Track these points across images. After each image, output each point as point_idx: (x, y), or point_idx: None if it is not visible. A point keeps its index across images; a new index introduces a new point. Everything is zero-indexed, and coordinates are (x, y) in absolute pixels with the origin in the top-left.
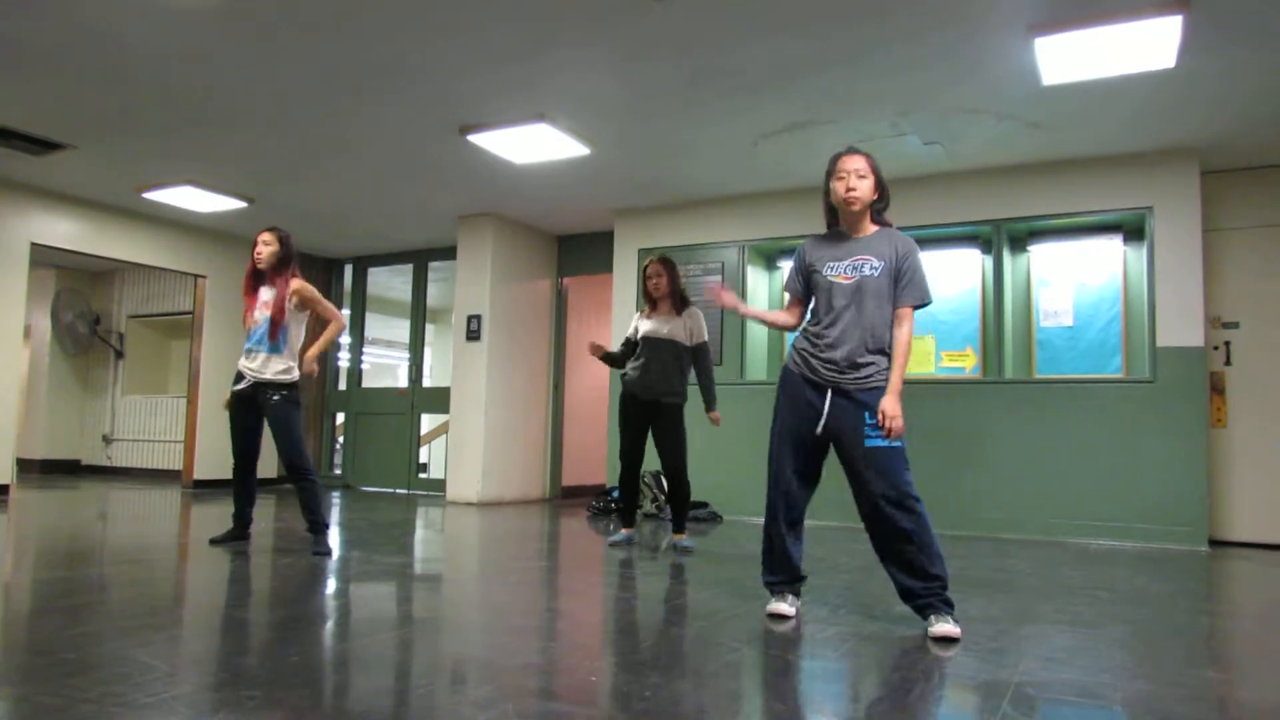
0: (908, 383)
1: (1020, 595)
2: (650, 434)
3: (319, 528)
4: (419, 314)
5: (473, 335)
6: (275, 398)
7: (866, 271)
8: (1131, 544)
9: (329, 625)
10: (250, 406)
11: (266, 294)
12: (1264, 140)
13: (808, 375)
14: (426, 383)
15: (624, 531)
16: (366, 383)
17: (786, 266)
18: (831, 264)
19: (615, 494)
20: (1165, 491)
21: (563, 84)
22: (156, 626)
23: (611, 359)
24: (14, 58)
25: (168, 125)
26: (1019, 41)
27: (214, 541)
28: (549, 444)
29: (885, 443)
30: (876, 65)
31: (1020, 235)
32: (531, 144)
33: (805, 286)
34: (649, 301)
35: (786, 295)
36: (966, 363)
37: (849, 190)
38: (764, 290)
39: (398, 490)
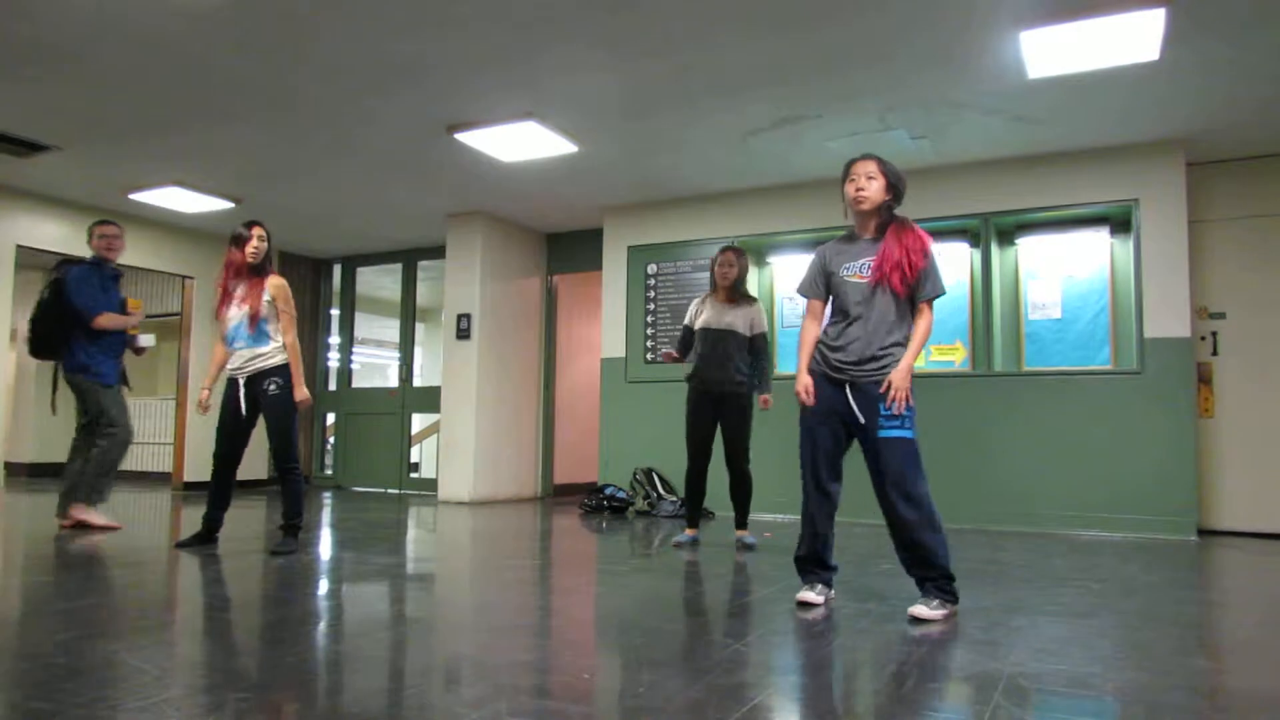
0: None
1: (1011, 586)
2: (719, 426)
3: (294, 528)
4: (409, 313)
5: (463, 334)
6: (272, 388)
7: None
8: (1121, 534)
9: (321, 626)
10: (244, 405)
11: (243, 289)
12: (1248, 132)
13: (827, 372)
14: (417, 382)
15: (688, 533)
16: (357, 383)
17: (776, 262)
18: (848, 265)
19: (608, 491)
20: (1154, 482)
21: (551, 82)
22: (147, 630)
23: (680, 356)
24: None
25: (154, 126)
26: (1005, 35)
27: (180, 545)
28: (540, 442)
29: (897, 433)
30: (864, 61)
31: (1008, 229)
32: (520, 142)
33: (825, 288)
34: (714, 289)
35: (804, 299)
36: (956, 356)
37: (858, 191)
38: (753, 286)
39: (389, 490)
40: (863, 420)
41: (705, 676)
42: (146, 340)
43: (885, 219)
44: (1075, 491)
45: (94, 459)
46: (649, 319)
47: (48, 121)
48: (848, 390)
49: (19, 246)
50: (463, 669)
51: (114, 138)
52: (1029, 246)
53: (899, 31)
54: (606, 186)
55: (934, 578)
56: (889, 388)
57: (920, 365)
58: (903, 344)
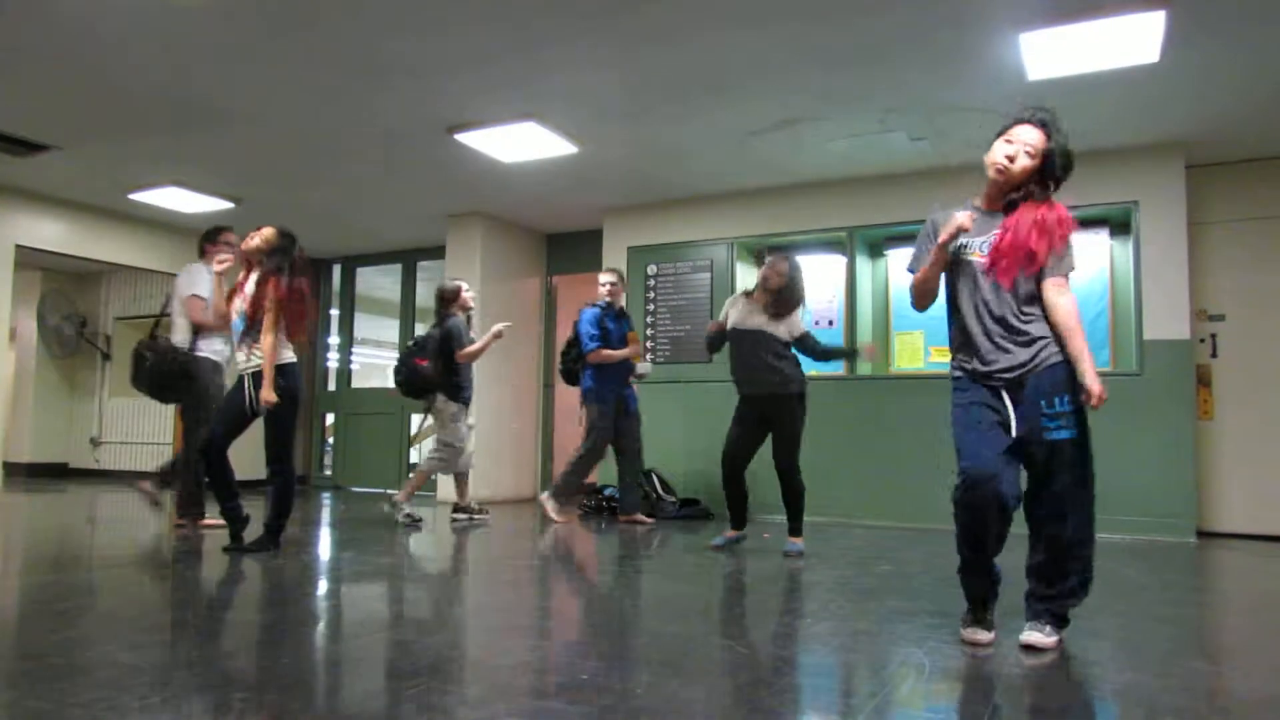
0: (902, 378)
1: (1009, 589)
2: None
3: (278, 529)
4: (408, 314)
5: None
6: (278, 385)
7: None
8: (1120, 536)
9: (320, 627)
10: (254, 403)
11: (250, 286)
12: (1248, 134)
13: (978, 369)
14: None
15: (727, 534)
16: (356, 383)
17: None
18: (967, 241)
19: (607, 492)
20: (1153, 484)
21: (551, 83)
22: (146, 630)
23: (709, 347)
24: None
25: (154, 126)
26: (1004, 37)
27: (241, 550)
28: (540, 443)
29: (1065, 434)
30: (864, 62)
31: None
32: (520, 143)
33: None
34: (755, 289)
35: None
36: None
37: (1008, 160)
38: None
39: (388, 490)
40: (1016, 428)
41: (704, 678)
42: (644, 368)
43: (1020, 197)
44: None
45: (570, 463)
46: (649, 320)
47: (47, 121)
48: (1004, 395)
49: (18, 246)
50: (461, 670)
51: (113, 138)
52: None
53: (899, 33)
54: (606, 187)
55: (1056, 599)
56: (1089, 396)
57: (919, 367)
58: (1048, 334)
